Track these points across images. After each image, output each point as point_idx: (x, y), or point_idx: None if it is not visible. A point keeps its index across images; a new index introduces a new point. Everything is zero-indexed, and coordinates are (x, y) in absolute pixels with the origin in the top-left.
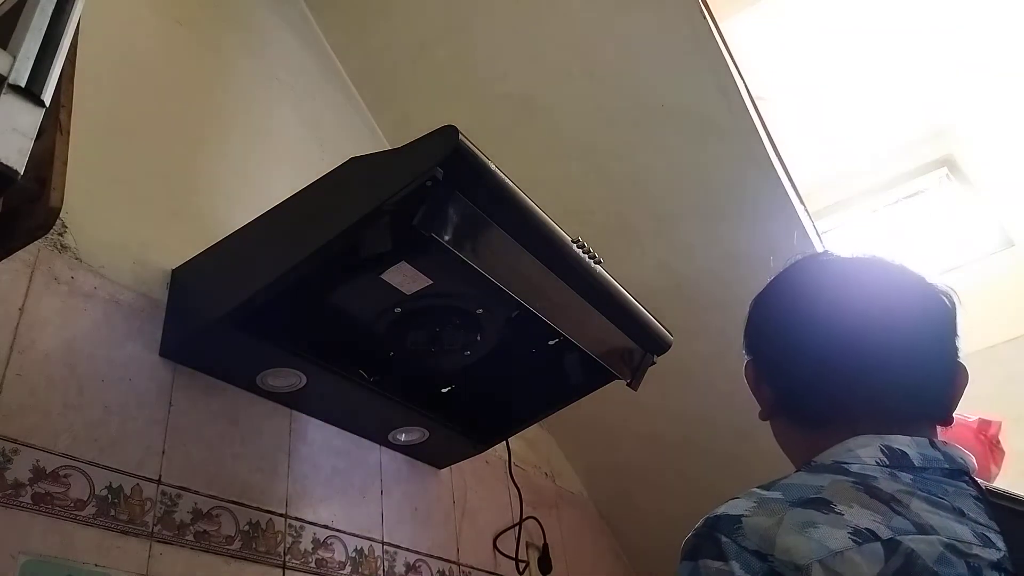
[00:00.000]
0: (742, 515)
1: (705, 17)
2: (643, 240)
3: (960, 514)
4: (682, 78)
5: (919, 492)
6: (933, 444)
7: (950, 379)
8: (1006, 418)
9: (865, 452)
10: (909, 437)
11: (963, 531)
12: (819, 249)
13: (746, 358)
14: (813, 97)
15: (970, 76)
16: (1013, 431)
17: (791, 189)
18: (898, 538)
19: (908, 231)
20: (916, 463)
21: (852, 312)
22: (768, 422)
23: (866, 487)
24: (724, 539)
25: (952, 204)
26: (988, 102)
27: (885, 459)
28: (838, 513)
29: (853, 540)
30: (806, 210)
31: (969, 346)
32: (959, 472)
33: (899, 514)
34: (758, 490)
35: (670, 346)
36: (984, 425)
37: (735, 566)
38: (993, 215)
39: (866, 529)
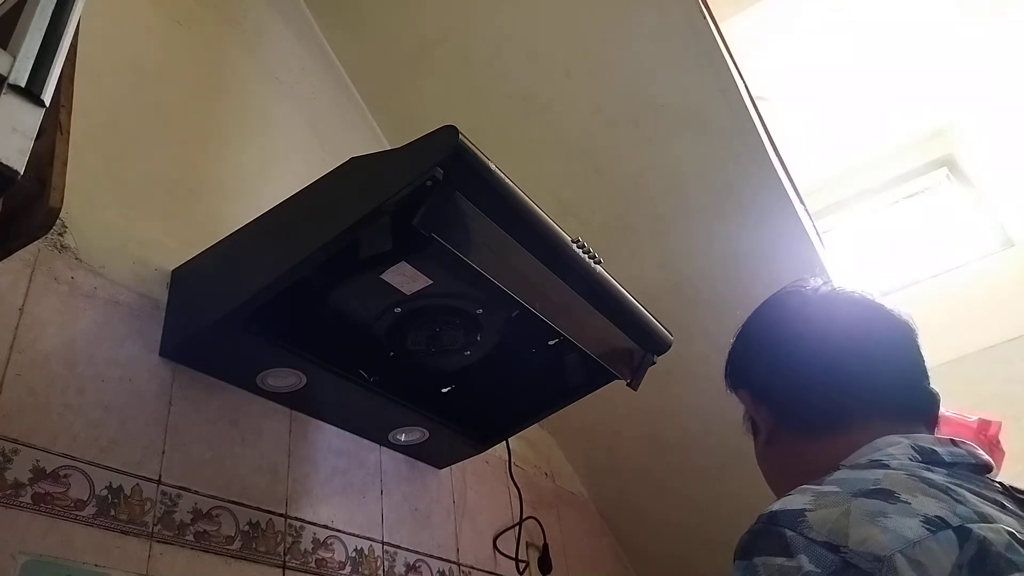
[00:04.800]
0: (804, 508)
1: (705, 17)
2: (643, 240)
3: (1001, 507)
4: (682, 78)
5: (964, 485)
6: (954, 442)
7: (932, 390)
8: (1006, 418)
9: (897, 450)
10: (932, 436)
11: (1013, 523)
12: (819, 249)
13: (737, 392)
14: (813, 97)
15: (970, 76)
16: (1013, 431)
17: (791, 189)
18: (967, 526)
19: (908, 231)
20: (946, 459)
21: (842, 325)
22: (763, 455)
23: (920, 478)
24: (789, 532)
25: (952, 204)
26: (988, 102)
27: (917, 456)
28: (905, 502)
29: (927, 529)
30: (806, 210)
31: (969, 346)
32: (982, 468)
33: (960, 503)
34: (810, 486)
35: (670, 346)
36: (984, 425)
37: (804, 560)
38: (993, 215)
39: (936, 517)
